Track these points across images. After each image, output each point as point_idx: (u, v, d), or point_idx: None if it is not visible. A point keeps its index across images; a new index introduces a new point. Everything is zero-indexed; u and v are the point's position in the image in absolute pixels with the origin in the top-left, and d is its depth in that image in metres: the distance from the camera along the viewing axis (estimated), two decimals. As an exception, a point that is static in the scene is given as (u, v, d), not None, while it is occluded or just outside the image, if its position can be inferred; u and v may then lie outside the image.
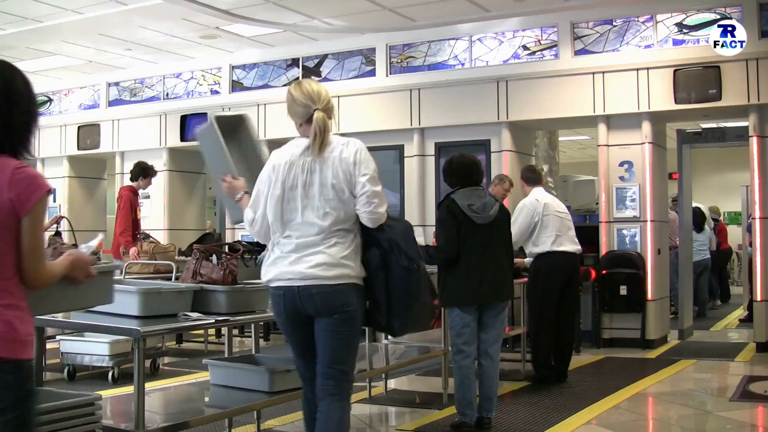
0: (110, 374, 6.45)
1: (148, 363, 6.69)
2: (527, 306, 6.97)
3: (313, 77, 10.16)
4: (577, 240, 6.75)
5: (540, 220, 6.57)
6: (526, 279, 6.85)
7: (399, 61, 9.64)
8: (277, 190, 3.44)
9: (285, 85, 10.31)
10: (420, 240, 5.07)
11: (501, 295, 5.16)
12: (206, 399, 4.28)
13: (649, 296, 8.38)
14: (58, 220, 7.86)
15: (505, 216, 5.25)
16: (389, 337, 6.67)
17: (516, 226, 6.57)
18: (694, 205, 12.33)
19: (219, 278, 3.90)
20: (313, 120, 3.43)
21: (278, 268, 3.44)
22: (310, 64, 10.21)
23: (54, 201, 11.61)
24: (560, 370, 6.67)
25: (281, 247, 3.45)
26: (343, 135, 3.68)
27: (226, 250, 4.36)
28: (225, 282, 3.89)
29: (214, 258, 4.00)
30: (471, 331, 5.03)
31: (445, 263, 5.04)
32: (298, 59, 10.28)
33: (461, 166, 5.19)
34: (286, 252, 3.43)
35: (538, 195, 6.73)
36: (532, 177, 6.94)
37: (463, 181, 5.14)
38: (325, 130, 3.45)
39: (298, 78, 10.25)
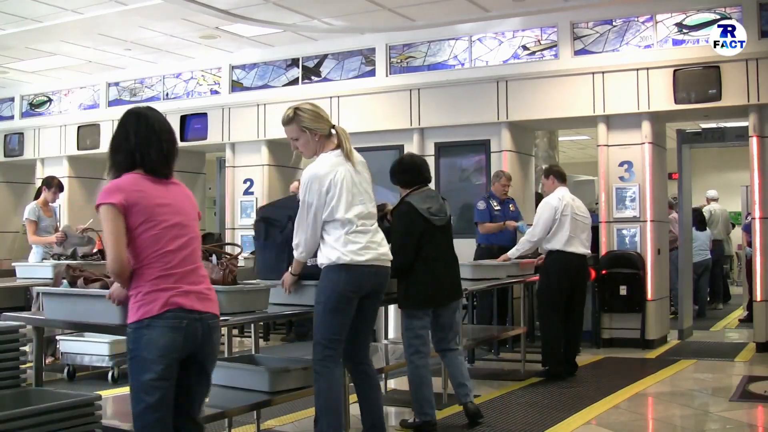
0: (110, 374, 6.45)
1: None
2: (537, 303, 7.06)
3: (312, 77, 10.17)
4: (588, 243, 6.92)
5: (559, 219, 6.70)
6: (536, 278, 6.98)
7: (399, 61, 9.63)
8: (344, 194, 4.00)
9: (285, 85, 10.32)
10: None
11: (456, 295, 5.20)
12: (206, 399, 4.27)
13: (649, 296, 8.38)
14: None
15: (450, 214, 5.25)
16: (389, 337, 6.70)
17: (540, 224, 6.78)
18: (719, 207, 12.50)
19: (219, 278, 3.89)
20: (341, 132, 4.12)
21: (372, 252, 4.06)
22: (310, 64, 10.20)
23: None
24: (571, 363, 6.83)
25: (366, 236, 4.06)
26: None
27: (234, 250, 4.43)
28: (225, 282, 3.89)
29: (214, 258, 3.99)
30: (427, 332, 5.08)
31: (400, 270, 4.77)
32: (297, 59, 10.28)
33: (412, 165, 5.20)
34: (371, 238, 4.08)
35: (562, 194, 6.85)
36: (561, 175, 7.04)
37: (415, 178, 5.11)
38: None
39: (297, 78, 10.26)
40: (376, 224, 4.20)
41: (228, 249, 7.99)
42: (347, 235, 3.99)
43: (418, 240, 4.89)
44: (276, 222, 4.45)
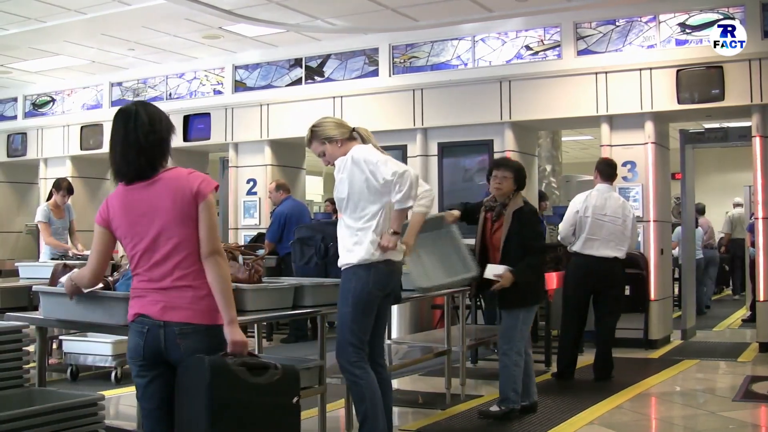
0: (113, 374, 6.45)
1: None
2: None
3: (315, 77, 10.17)
4: (619, 245, 6.65)
5: (580, 219, 6.65)
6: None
7: (402, 61, 9.63)
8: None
9: (288, 85, 10.32)
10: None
11: None
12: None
13: (652, 296, 8.37)
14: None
15: None
16: (392, 337, 6.71)
17: (562, 223, 6.81)
18: (741, 210, 12.75)
19: (245, 278, 4.07)
20: (363, 132, 4.38)
21: (398, 251, 4.13)
22: (313, 64, 10.21)
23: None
24: (597, 368, 6.69)
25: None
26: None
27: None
28: (251, 281, 4.08)
29: (240, 258, 4.16)
30: None
31: (537, 267, 5.33)
32: (301, 59, 10.28)
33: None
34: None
35: (588, 193, 6.79)
36: (605, 170, 6.94)
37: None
38: None
39: (300, 78, 10.26)
40: None
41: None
42: (379, 236, 4.04)
43: None
44: (310, 241, 4.75)
